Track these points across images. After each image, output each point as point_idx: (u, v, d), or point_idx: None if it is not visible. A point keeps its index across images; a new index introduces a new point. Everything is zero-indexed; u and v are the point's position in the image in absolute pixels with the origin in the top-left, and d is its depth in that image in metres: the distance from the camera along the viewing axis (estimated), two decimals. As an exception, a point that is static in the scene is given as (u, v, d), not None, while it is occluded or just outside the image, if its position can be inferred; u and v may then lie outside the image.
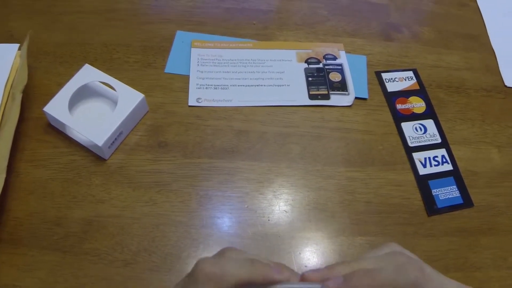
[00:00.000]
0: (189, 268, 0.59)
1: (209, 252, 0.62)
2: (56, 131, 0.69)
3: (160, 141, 0.69)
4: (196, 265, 0.39)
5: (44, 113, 0.67)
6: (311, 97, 0.74)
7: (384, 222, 0.65)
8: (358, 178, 0.68)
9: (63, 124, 0.67)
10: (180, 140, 0.70)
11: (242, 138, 0.71)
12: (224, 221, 0.64)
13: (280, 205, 0.65)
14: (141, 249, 0.61)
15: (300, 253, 0.62)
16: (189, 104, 0.73)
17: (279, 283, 0.40)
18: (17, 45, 0.73)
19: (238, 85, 0.75)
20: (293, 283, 0.41)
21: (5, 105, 0.67)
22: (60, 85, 0.69)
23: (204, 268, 0.38)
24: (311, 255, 0.62)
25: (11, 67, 0.71)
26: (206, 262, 0.39)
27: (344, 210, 0.65)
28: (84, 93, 0.71)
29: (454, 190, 0.69)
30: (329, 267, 0.41)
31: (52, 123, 0.69)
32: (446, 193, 0.68)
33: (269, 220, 0.64)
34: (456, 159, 0.71)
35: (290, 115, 0.73)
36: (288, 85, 0.75)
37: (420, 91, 0.77)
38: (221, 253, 0.43)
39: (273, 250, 0.62)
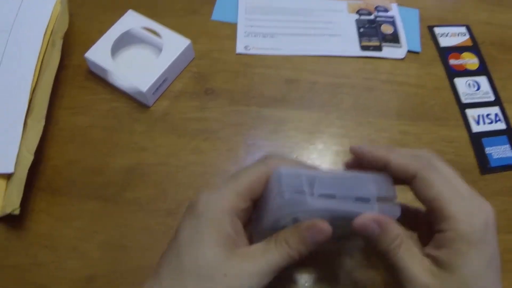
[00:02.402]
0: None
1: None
2: (97, 78, 0.61)
3: (207, 88, 0.60)
4: (263, 155, 0.39)
5: (85, 59, 0.59)
6: (363, 48, 0.65)
7: (436, 179, 0.56)
8: (410, 132, 0.59)
9: (105, 70, 0.58)
10: (227, 87, 0.61)
11: (292, 87, 0.61)
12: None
13: (331, 156, 0.57)
14: (186, 199, 0.53)
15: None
16: (237, 51, 0.64)
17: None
18: (57, -9, 0.64)
19: (288, 34, 0.65)
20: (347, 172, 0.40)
21: (44, 52, 0.59)
22: (102, 32, 0.60)
23: (271, 154, 0.38)
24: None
25: (51, 14, 0.62)
26: (273, 153, 0.40)
27: (396, 165, 0.56)
28: (127, 40, 0.62)
29: (508, 149, 0.59)
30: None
31: (93, 70, 0.61)
32: (500, 152, 0.59)
33: (319, 171, 0.55)
34: (509, 118, 0.61)
35: (341, 65, 0.63)
36: (339, 36, 0.66)
37: (473, 48, 0.67)
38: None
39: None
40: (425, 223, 0.37)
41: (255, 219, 0.38)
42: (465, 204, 0.34)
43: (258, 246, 0.36)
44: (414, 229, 0.42)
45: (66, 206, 0.53)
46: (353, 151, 0.39)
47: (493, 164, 0.58)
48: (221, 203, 0.35)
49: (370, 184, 0.36)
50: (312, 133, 0.58)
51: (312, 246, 0.35)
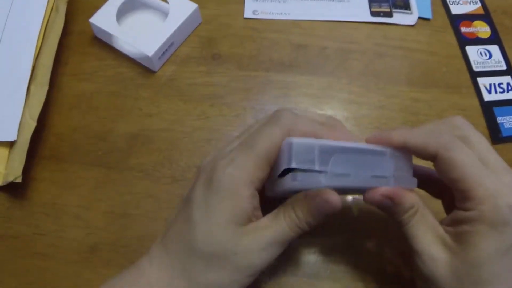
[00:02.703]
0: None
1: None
2: (102, 44, 0.59)
3: (214, 53, 0.58)
4: (276, 111, 0.36)
5: (90, 24, 0.57)
6: (373, 14, 0.62)
7: (448, 147, 0.54)
8: (421, 99, 0.56)
9: (110, 35, 0.56)
10: (235, 52, 0.58)
11: (301, 52, 0.59)
12: (281, 138, 0.53)
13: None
14: (191, 165, 0.51)
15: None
16: (245, 16, 0.61)
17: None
18: (63, -45, 0.61)
19: (297, -1, 0.63)
20: (365, 145, 0.36)
21: (48, 17, 0.57)
22: (105, -1, 0.58)
23: (284, 113, 0.35)
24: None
25: (56, -21, 0.59)
26: (285, 109, 0.36)
27: (407, 132, 0.54)
28: (132, 5, 0.60)
29: (520, 119, 0.57)
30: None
31: (98, 35, 0.59)
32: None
33: (328, 138, 0.53)
34: (521, 88, 0.59)
35: (351, 31, 0.61)
36: (348, 1, 0.63)
37: (485, 16, 0.65)
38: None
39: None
40: (450, 190, 0.35)
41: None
42: (491, 183, 0.31)
43: (267, 219, 0.34)
44: (438, 196, 0.39)
45: (69, 174, 0.51)
46: (369, 141, 0.36)
47: (504, 133, 0.56)
48: (241, 177, 0.33)
49: (387, 161, 0.34)
50: (320, 98, 0.56)
51: (322, 218, 0.34)
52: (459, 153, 0.32)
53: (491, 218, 0.30)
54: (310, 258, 0.46)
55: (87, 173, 0.51)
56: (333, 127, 0.36)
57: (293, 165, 0.32)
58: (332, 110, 0.55)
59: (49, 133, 0.53)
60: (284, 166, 0.32)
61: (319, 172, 0.32)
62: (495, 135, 0.55)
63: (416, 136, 0.33)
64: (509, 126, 0.56)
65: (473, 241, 0.31)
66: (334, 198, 0.32)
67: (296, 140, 0.32)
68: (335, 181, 0.32)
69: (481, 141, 0.33)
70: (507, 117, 0.57)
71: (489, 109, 0.57)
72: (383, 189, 0.33)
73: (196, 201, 0.34)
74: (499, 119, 0.57)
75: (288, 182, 0.32)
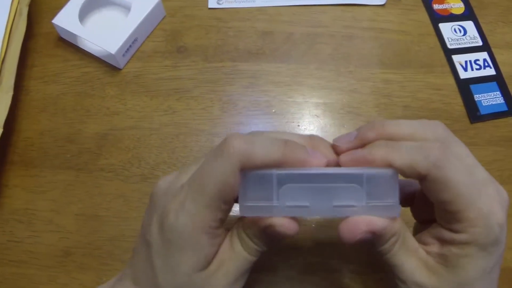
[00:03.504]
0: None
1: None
2: (67, 45, 0.57)
3: (179, 46, 0.56)
4: (226, 139, 0.29)
5: (53, 26, 0.55)
6: (341, -5, 0.60)
7: (424, 128, 0.52)
8: (394, 80, 0.54)
9: (73, 35, 0.54)
10: (200, 43, 0.56)
11: (267, 39, 0.57)
12: (250, 128, 0.51)
13: (311, 109, 0.52)
14: (160, 162, 0.50)
15: (333, 161, 0.49)
16: (209, 6, 0.59)
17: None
18: (24, -43, 0.59)
19: (261, -15, 0.61)
20: (333, 169, 0.30)
21: (12, 22, 0.55)
22: (70, -3, 0.56)
23: (234, 143, 0.28)
24: (346, 163, 0.49)
25: (18, -18, 0.58)
26: (236, 136, 0.28)
27: (381, 115, 0.52)
28: (95, 3, 0.58)
29: (498, 96, 0.55)
30: (360, 135, 0.32)
31: (63, 36, 0.57)
32: (490, 99, 0.55)
33: (298, 126, 0.52)
34: (499, 63, 0.57)
35: (318, 14, 0.59)
36: (315, -16, 0.61)
37: (458, -9, 0.62)
38: (253, 133, 0.32)
39: (305, 159, 0.49)
40: (420, 197, 0.32)
41: None
42: (483, 203, 0.28)
43: (227, 251, 0.32)
44: (406, 204, 0.36)
45: (40, 178, 0.50)
46: (345, 163, 0.31)
47: (483, 111, 0.54)
48: (196, 225, 0.29)
49: (358, 189, 0.29)
50: (290, 85, 0.54)
51: (279, 242, 0.32)
52: (453, 172, 0.28)
53: (482, 240, 0.28)
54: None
55: (57, 176, 0.49)
56: (302, 148, 0.30)
57: (247, 203, 0.29)
58: (302, 97, 0.53)
59: (18, 138, 0.52)
60: (241, 195, 0.30)
61: (273, 206, 0.29)
62: (473, 114, 0.53)
63: (403, 155, 0.29)
64: (487, 104, 0.54)
65: (462, 264, 0.29)
66: (286, 226, 0.29)
67: (250, 174, 0.29)
68: (291, 212, 0.29)
69: (466, 152, 0.30)
70: (485, 94, 0.55)
71: (465, 87, 0.55)
72: (359, 223, 0.29)
73: (154, 246, 0.31)
74: (477, 97, 0.55)
75: (242, 211, 0.30)
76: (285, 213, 0.29)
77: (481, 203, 0.28)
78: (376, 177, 0.29)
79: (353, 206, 0.29)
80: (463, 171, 0.28)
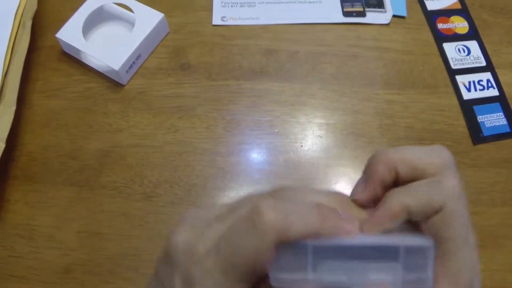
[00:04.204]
0: (214, 201, 0.48)
1: (236, 182, 0.49)
2: (70, 59, 0.57)
3: (183, 63, 0.56)
4: (257, 207, 0.26)
5: (57, 39, 0.55)
6: (345, 14, 0.60)
7: (427, 149, 0.51)
8: (397, 101, 0.54)
9: (77, 50, 0.54)
10: (204, 61, 0.56)
11: (271, 58, 0.57)
12: (253, 148, 0.51)
13: (314, 130, 0.52)
14: (162, 181, 0.49)
15: (336, 183, 0.50)
16: (213, 23, 0.59)
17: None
18: (27, -30, 0.59)
19: (266, 2, 0.61)
20: (370, 240, 0.28)
21: (15, 35, 0.55)
22: (74, 11, 0.56)
23: (267, 214, 0.26)
24: (348, 184, 0.49)
25: (21, -5, 0.57)
26: (267, 206, 0.26)
27: (383, 136, 0.52)
28: (99, 17, 0.58)
29: (501, 117, 0.55)
30: (369, 176, 0.29)
31: (66, 50, 0.57)
32: (492, 120, 0.55)
33: (302, 146, 0.51)
34: (502, 84, 0.57)
35: (323, 33, 0.58)
36: (320, 2, 0.61)
37: (462, 11, 0.62)
38: (279, 193, 0.29)
39: (307, 179, 0.50)
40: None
41: None
42: (466, 256, 0.27)
43: None
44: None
45: (42, 194, 0.49)
46: (368, 229, 0.29)
47: (486, 133, 0.54)
48: None
49: (394, 262, 0.27)
50: (293, 105, 0.54)
51: None
52: (458, 208, 0.27)
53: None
54: None
55: (59, 192, 0.49)
56: (335, 214, 0.29)
57: (280, 276, 0.28)
58: (305, 117, 0.53)
59: (20, 152, 0.52)
60: (270, 271, 0.27)
61: (308, 279, 0.28)
62: (476, 135, 0.53)
63: (420, 195, 0.27)
64: (490, 125, 0.54)
65: None
66: None
67: (284, 247, 0.27)
68: (326, 286, 0.27)
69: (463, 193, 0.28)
70: (488, 115, 0.55)
71: (469, 108, 0.55)
72: None
73: None
74: (480, 118, 0.54)
75: (272, 281, 0.29)
76: (320, 286, 0.28)
77: (465, 256, 0.27)
78: (413, 249, 0.27)
79: (389, 279, 0.28)
80: (465, 211, 0.27)
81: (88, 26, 0.57)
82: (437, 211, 0.27)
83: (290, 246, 0.26)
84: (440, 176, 0.27)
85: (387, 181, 0.29)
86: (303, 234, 0.26)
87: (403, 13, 0.60)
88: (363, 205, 0.30)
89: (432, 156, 0.28)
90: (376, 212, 0.28)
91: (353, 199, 0.30)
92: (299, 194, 0.29)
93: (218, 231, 0.28)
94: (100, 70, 0.55)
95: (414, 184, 0.28)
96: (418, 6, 0.61)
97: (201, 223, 0.30)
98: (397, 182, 0.28)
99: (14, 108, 0.50)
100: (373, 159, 0.29)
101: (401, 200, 0.27)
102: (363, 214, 0.30)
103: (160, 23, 0.55)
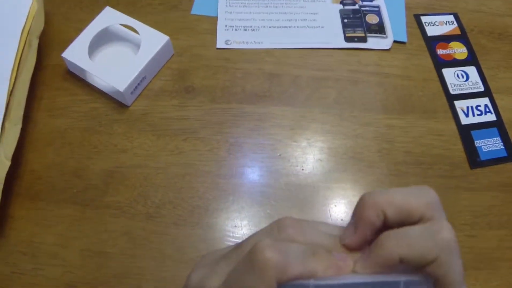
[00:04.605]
0: (217, 223, 0.49)
1: (239, 204, 0.51)
2: (75, 78, 0.58)
3: (187, 85, 0.57)
4: (256, 248, 0.27)
5: (63, 59, 0.56)
6: (347, 39, 0.61)
7: (425, 174, 0.53)
8: (397, 125, 0.55)
9: (82, 70, 0.55)
10: (208, 84, 0.57)
11: (274, 82, 0.58)
12: (255, 171, 0.52)
13: (315, 153, 0.53)
14: (166, 202, 0.50)
15: (335, 206, 0.51)
16: (217, 46, 0.60)
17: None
18: (34, -10, 0.60)
19: (270, 27, 0.62)
20: (369, 277, 0.29)
21: (21, 53, 0.56)
22: (80, 31, 0.57)
23: (266, 254, 0.26)
24: (348, 207, 0.50)
25: (28, 13, 0.58)
26: (267, 246, 0.27)
27: (382, 160, 0.53)
28: (105, 38, 0.59)
29: (498, 142, 0.56)
30: (357, 221, 0.30)
31: (72, 70, 0.58)
32: (490, 145, 0.56)
33: (303, 169, 0.52)
34: (499, 109, 0.58)
35: (325, 58, 0.60)
36: (322, 27, 0.62)
37: (462, 37, 0.63)
38: (280, 228, 0.30)
39: (307, 202, 0.51)
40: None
41: None
42: None
43: None
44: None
45: (46, 212, 0.50)
46: (363, 269, 0.29)
47: (483, 157, 0.55)
48: None
49: None
50: (294, 129, 0.55)
51: None
52: (455, 258, 0.27)
53: None
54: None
55: (63, 211, 0.50)
56: (330, 256, 0.29)
57: None
58: (306, 141, 0.54)
59: (25, 170, 0.52)
60: None
61: None
62: (473, 160, 0.54)
63: (413, 245, 0.27)
64: (488, 150, 0.55)
65: None
66: None
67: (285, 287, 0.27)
68: None
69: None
70: (485, 140, 0.56)
71: (466, 133, 0.56)
72: None
73: None
74: (477, 143, 0.56)
75: None
76: None
77: None
78: (413, 284, 0.28)
79: None
80: (459, 265, 0.28)
81: (94, 46, 0.58)
82: (431, 262, 0.27)
83: (292, 286, 0.27)
84: (431, 222, 0.28)
85: (376, 225, 0.29)
86: (302, 274, 0.27)
87: (404, 38, 0.62)
88: (354, 249, 0.30)
89: (419, 198, 0.29)
90: (371, 257, 0.28)
91: (344, 243, 0.30)
92: (299, 231, 0.30)
93: (226, 269, 0.29)
94: (105, 90, 0.56)
95: (409, 231, 0.28)
96: (418, 31, 0.63)
97: (213, 262, 0.31)
98: (386, 223, 0.29)
99: (19, 126, 0.51)
100: (361, 203, 0.30)
101: (396, 250, 0.28)
102: (356, 255, 0.30)
103: (165, 45, 0.56)
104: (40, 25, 0.57)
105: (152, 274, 0.47)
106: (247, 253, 0.28)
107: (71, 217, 0.50)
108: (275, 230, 0.30)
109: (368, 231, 0.29)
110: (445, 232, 0.27)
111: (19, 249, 0.48)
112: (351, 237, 0.30)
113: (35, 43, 0.56)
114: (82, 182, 0.52)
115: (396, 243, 0.28)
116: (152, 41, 0.56)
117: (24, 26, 0.58)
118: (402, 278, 0.28)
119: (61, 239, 0.49)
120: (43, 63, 0.58)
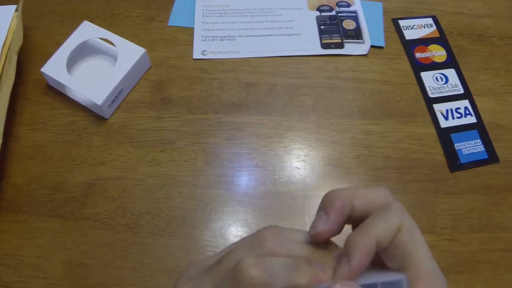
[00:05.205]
0: (195, 233, 0.49)
1: (216, 214, 0.51)
2: (55, 92, 0.59)
3: (164, 97, 0.58)
4: (239, 264, 0.28)
5: (42, 74, 0.56)
6: (324, 46, 0.61)
7: (404, 179, 0.53)
8: (375, 131, 0.55)
9: (61, 84, 0.56)
10: (184, 95, 0.58)
11: (251, 91, 0.58)
12: (233, 180, 0.52)
13: (292, 161, 0.54)
14: (144, 212, 0.51)
15: (313, 214, 0.50)
16: (194, 57, 0.60)
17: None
18: (14, 6, 0.61)
19: (246, 36, 0.62)
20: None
21: (2, 69, 0.57)
22: (60, 45, 0.58)
23: (251, 272, 0.27)
24: (326, 215, 0.50)
25: (8, 29, 0.59)
26: (250, 264, 0.27)
27: (361, 166, 0.53)
28: (84, 51, 0.59)
29: (479, 144, 0.56)
30: (327, 212, 0.30)
31: (51, 84, 0.59)
32: (470, 147, 0.56)
33: (280, 178, 0.53)
34: (480, 111, 0.58)
35: (301, 65, 0.60)
36: (299, 34, 0.62)
37: (441, 39, 0.63)
38: (259, 242, 0.30)
39: (285, 211, 0.51)
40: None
41: None
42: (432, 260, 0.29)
43: None
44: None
45: (27, 225, 0.51)
46: (321, 236, 0.30)
47: (463, 160, 0.55)
48: None
49: None
50: (271, 138, 0.55)
51: None
52: (412, 221, 0.29)
53: None
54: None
55: (44, 224, 0.51)
56: (312, 268, 0.30)
57: None
58: (283, 149, 0.54)
59: (7, 184, 0.53)
60: None
61: None
62: (453, 163, 0.54)
63: (380, 225, 0.29)
64: (468, 152, 0.55)
65: None
66: None
67: None
68: None
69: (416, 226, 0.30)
70: (465, 142, 0.56)
71: (446, 136, 0.56)
72: None
73: None
74: (457, 146, 0.56)
75: None
76: None
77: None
78: (389, 284, 0.29)
79: None
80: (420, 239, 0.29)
81: (72, 60, 0.58)
82: (398, 230, 0.29)
83: None
84: (388, 203, 0.30)
85: (345, 215, 0.30)
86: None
87: (381, 43, 0.62)
88: (323, 239, 0.31)
89: (377, 190, 0.31)
90: (352, 256, 0.29)
91: (315, 232, 0.31)
92: (279, 245, 0.30)
93: (208, 284, 0.30)
94: (84, 104, 0.57)
95: (369, 220, 0.29)
96: (396, 36, 0.63)
97: (197, 276, 0.32)
98: (352, 217, 0.30)
99: (0, 140, 0.52)
100: (330, 195, 0.31)
101: (369, 235, 0.28)
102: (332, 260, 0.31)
103: (142, 58, 0.57)
104: (19, 41, 0.57)
105: (132, 285, 0.47)
106: (231, 271, 0.28)
107: (52, 229, 0.50)
108: (255, 244, 0.30)
109: (339, 220, 0.30)
110: (396, 203, 0.29)
111: (2, 262, 0.49)
112: (324, 226, 0.31)
113: (14, 58, 0.57)
114: (62, 195, 0.52)
115: (366, 231, 0.29)
116: (129, 54, 0.56)
117: (5, 42, 0.59)
118: (379, 280, 0.29)
119: (42, 252, 0.49)
120: (23, 78, 0.59)
